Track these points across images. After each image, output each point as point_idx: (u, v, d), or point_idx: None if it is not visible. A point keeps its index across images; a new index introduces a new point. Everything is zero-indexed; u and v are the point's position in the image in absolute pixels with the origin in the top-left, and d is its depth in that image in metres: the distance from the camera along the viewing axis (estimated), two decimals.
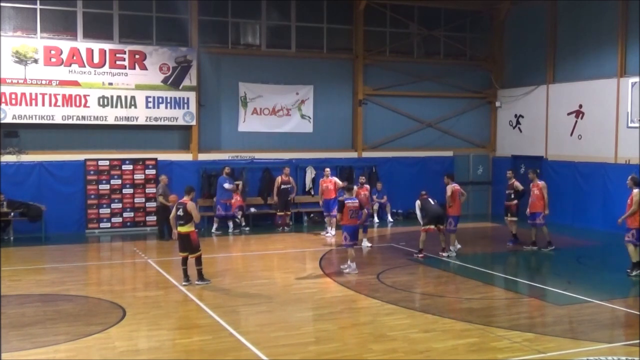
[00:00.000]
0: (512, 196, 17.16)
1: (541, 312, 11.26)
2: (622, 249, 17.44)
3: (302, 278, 13.50)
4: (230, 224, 19.40)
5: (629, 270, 13.75)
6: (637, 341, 9.14)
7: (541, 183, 16.50)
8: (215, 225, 19.36)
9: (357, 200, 14.14)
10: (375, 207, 21.29)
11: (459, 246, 15.85)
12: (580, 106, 20.79)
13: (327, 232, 18.75)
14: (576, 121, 20.94)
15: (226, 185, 18.94)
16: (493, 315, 10.72)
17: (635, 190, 14.09)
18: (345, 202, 13.76)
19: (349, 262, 13.85)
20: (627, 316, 10.63)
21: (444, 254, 15.44)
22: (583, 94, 20.66)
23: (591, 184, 19.89)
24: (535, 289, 12.76)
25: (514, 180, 17.34)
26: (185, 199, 12.74)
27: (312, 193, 21.55)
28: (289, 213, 20.11)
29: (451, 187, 15.87)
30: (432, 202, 15.71)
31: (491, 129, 24.54)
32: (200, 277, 12.71)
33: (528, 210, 16.45)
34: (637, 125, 18.73)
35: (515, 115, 23.44)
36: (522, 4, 23.11)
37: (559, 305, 11.56)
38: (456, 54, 24.08)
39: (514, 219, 17.17)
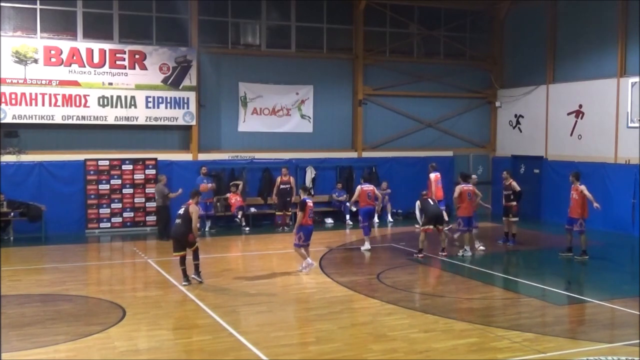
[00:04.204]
0: (512, 197, 17.13)
1: (541, 312, 11.24)
2: (622, 249, 17.51)
3: (302, 278, 13.50)
4: (207, 223, 19.45)
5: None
6: (637, 341, 9.14)
7: (581, 187, 15.41)
8: (208, 224, 19.42)
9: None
10: (378, 207, 21.23)
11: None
12: (580, 106, 20.79)
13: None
14: (576, 121, 20.95)
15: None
16: (493, 315, 10.72)
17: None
18: (306, 201, 13.82)
19: (306, 261, 13.83)
20: (627, 316, 10.62)
21: (443, 254, 15.47)
22: (583, 94, 20.66)
23: (591, 184, 19.79)
24: (535, 289, 12.74)
25: (511, 180, 17.31)
26: (190, 201, 12.80)
27: (312, 193, 21.49)
28: (288, 213, 20.12)
29: (459, 188, 15.86)
30: (432, 203, 15.74)
31: (491, 129, 24.55)
32: (197, 271, 12.74)
33: (568, 214, 15.70)
34: (637, 125, 18.73)
35: (515, 115, 23.44)
36: (522, 4, 23.11)
37: (559, 305, 11.57)
38: (456, 54, 24.08)
39: (515, 219, 17.16)
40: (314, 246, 17.02)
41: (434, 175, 18.70)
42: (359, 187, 16.71)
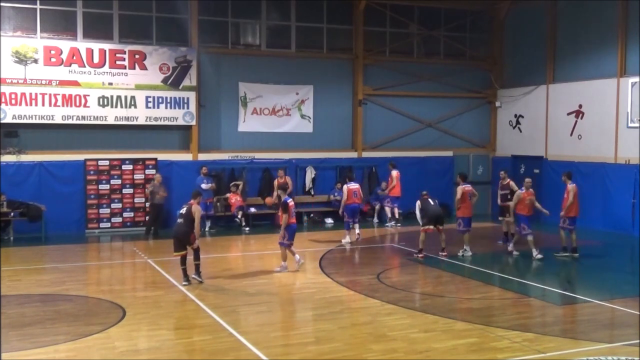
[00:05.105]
0: (509, 197, 17.12)
1: (541, 312, 11.25)
2: (622, 249, 17.52)
3: (302, 278, 13.50)
4: (208, 223, 19.47)
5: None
6: (637, 341, 9.14)
7: (569, 186, 15.61)
8: (208, 224, 19.43)
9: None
10: (377, 207, 21.29)
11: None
12: (580, 106, 20.79)
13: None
14: (576, 121, 20.95)
15: (203, 186, 18.88)
16: (493, 315, 10.72)
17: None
18: (288, 201, 13.91)
19: (283, 263, 13.91)
20: (627, 316, 10.63)
21: (443, 254, 15.47)
22: (583, 94, 20.66)
23: (591, 184, 19.88)
24: (535, 289, 12.75)
25: (509, 180, 17.33)
26: (192, 201, 12.77)
27: (312, 193, 21.57)
28: None
29: (461, 189, 15.88)
30: (432, 203, 15.72)
31: (491, 129, 24.55)
32: (197, 271, 12.72)
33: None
34: (637, 125, 18.73)
35: (515, 115, 23.45)
36: (522, 4, 23.11)
37: (559, 305, 11.58)
38: (456, 54, 24.08)
39: (512, 219, 17.14)
40: (315, 246, 17.11)
41: (395, 173, 20.46)
42: (345, 186, 17.82)
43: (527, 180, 16.07)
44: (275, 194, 19.81)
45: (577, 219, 15.73)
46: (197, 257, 12.75)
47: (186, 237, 12.59)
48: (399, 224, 20.42)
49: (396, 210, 20.67)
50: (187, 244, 12.62)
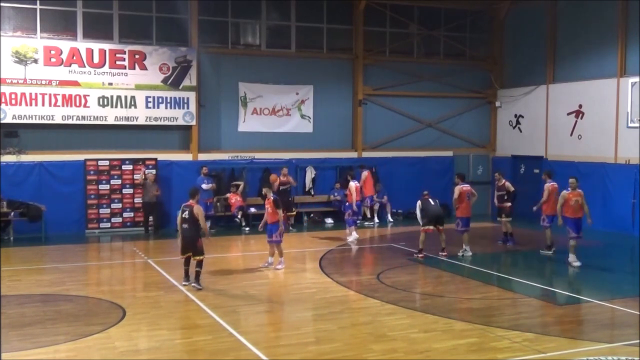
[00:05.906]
0: (505, 197, 17.13)
1: (541, 312, 11.26)
2: (622, 249, 17.52)
3: (302, 278, 13.50)
4: (208, 223, 19.34)
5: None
6: (637, 341, 9.14)
7: (548, 185, 16.04)
8: (208, 224, 19.35)
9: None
10: (376, 207, 21.31)
11: (468, 252, 15.75)
12: (580, 106, 20.80)
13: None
14: (576, 121, 20.96)
15: (204, 186, 18.79)
16: (493, 315, 10.72)
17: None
18: (278, 199, 14.04)
19: (281, 259, 14.05)
20: (627, 316, 10.63)
21: (443, 254, 15.47)
22: (583, 94, 20.67)
23: (591, 184, 19.85)
24: (535, 289, 12.75)
25: (504, 181, 17.35)
26: (191, 202, 12.52)
27: (312, 193, 21.57)
28: (292, 213, 20.05)
29: (459, 189, 15.88)
30: (433, 203, 15.72)
31: (491, 129, 24.55)
32: (197, 279, 12.55)
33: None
34: (637, 125, 18.74)
35: (515, 115, 23.45)
36: (522, 4, 23.12)
37: (559, 305, 11.58)
38: (456, 54, 24.09)
39: (509, 219, 17.18)
40: (315, 246, 17.10)
41: (365, 173, 20.22)
42: (352, 183, 17.78)
43: (572, 180, 14.83)
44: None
45: (555, 217, 15.62)
46: (199, 265, 12.53)
47: (193, 241, 12.40)
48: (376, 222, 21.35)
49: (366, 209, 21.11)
50: (194, 248, 12.40)
